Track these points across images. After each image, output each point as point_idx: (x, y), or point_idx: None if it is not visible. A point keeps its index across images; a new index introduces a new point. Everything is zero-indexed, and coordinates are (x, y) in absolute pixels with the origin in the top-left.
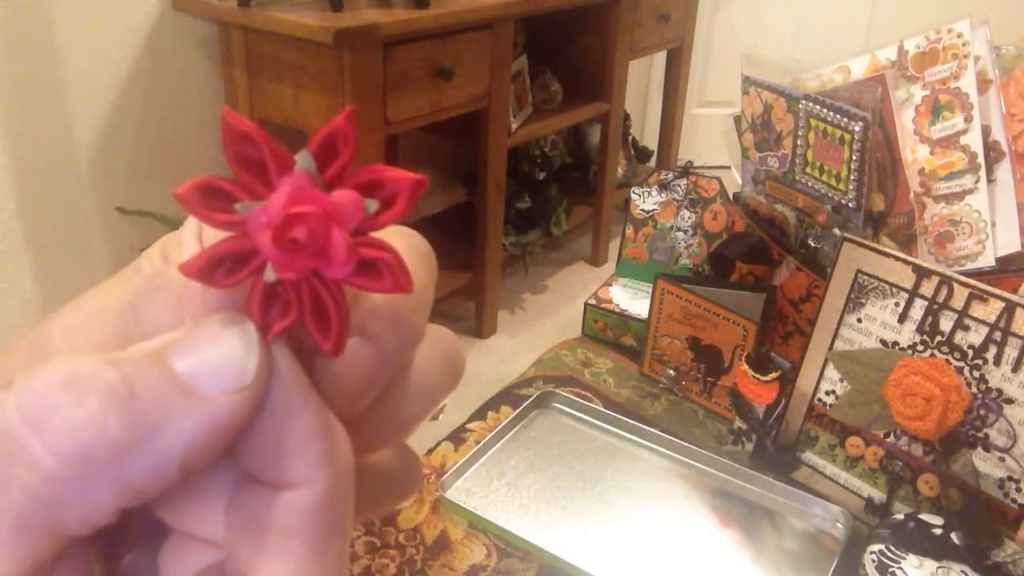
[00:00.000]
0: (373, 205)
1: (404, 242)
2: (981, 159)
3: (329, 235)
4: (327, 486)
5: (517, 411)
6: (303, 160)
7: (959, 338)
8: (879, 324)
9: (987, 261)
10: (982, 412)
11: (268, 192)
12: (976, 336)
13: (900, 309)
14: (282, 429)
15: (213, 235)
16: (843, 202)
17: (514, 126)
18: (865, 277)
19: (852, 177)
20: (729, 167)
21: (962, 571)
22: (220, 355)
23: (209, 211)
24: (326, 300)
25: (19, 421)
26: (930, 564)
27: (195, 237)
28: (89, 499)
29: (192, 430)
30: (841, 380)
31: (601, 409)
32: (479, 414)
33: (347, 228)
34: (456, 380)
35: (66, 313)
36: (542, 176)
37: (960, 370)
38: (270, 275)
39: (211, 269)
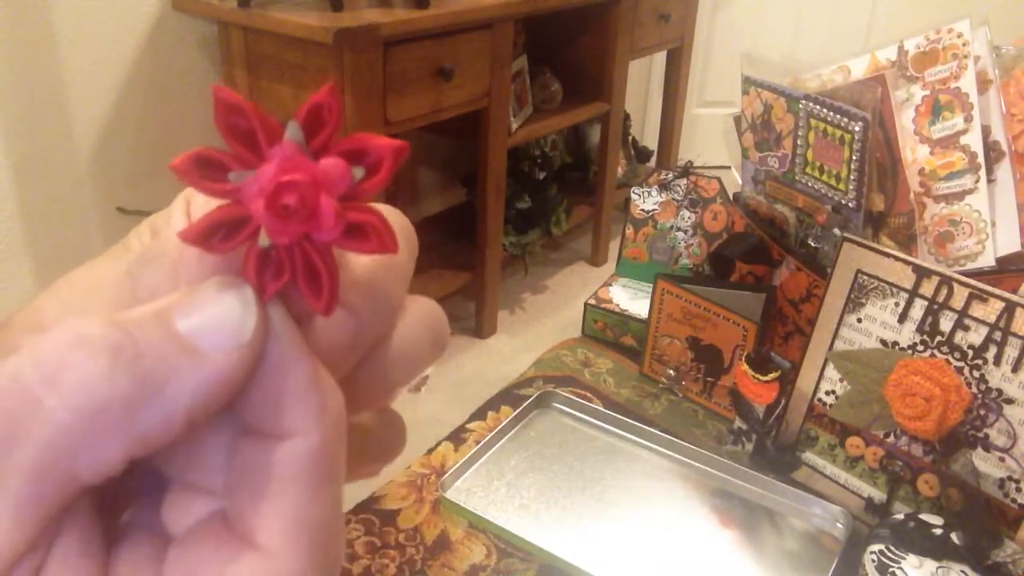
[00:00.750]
0: (359, 172)
1: None
2: (981, 159)
3: (318, 201)
4: (322, 435)
5: (517, 411)
6: (292, 130)
7: (959, 338)
8: (879, 324)
9: (987, 261)
10: (982, 412)
11: (259, 162)
12: (976, 336)
13: (900, 309)
14: (279, 383)
15: (201, 212)
16: (843, 202)
17: (514, 126)
18: (865, 277)
19: (852, 177)
20: (729, 167)
21: (962, 571)
22: (220, 315)
23: (205, 181)
24: (317, 262)
25: (35, 378)
26: (930, 564)
27: (183, 214)
28: (101, 449)
29: (195, 386)
30: (841, 380)
31: (601, 409)
32: (479, 414)
33: (335, 194)
34: (440, 350)
35: (59, 288)
36: (542, 176)
37: (960, 370)
38: (264, 240)
39: (208, 235)
